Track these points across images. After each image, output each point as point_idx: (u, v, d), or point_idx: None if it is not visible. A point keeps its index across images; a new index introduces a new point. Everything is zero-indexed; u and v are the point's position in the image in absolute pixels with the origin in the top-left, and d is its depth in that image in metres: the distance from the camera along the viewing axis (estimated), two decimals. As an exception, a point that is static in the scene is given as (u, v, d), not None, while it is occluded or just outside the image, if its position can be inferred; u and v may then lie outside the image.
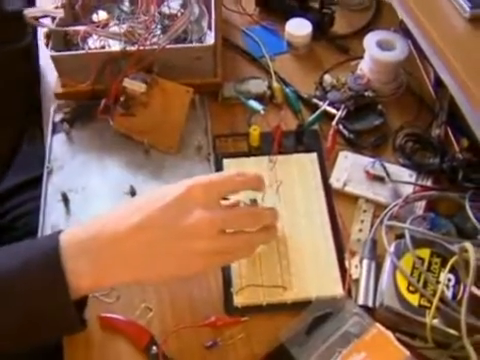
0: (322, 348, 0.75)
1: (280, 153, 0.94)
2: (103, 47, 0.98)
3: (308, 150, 0.95)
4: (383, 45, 0.98)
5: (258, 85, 1.02)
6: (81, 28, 0.95)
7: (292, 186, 0.91)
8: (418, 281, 0.76)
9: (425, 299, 0.75)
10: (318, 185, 0.91)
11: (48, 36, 0.98)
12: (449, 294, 0.75)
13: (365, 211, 0.89)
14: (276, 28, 1.14)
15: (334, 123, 0.96)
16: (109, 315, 0.81)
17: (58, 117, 0.99)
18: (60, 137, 0.98)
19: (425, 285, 0.76)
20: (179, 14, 0.99)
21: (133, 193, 0.90)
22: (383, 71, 0.99)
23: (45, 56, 1.01)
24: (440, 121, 0.96)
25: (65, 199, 0.90)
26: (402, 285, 0.77)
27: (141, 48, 0.93)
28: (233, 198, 0.83)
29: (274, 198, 0.89)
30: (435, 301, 0.74)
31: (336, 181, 0.92)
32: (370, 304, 0.79)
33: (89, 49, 0.97)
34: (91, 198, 0.91)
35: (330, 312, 0.78)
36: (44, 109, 1.03)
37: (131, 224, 0.67)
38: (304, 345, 0.75)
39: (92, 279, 0.67)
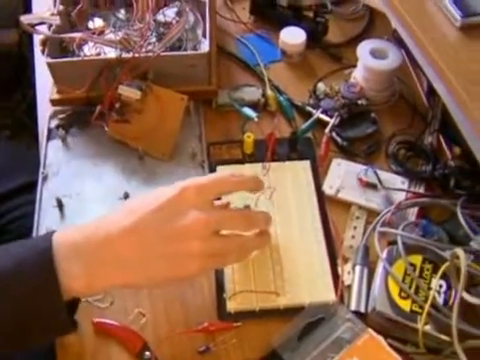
0: (314, 354, 0.75)
1: (274, 160, 0.94)
2: (99, 54, 0.98)
3: (301, 157, 0.96)
4: (376, 54, 0.99)
5: (252, 93, 1.03)
6: (77, 35, 0.96)
7: (285, 193, 0.91)
8: (410, 287, 0.77)
9: (417, 305, 0.76)
10: (311, 192, 0.91)
11: (44, 43, 0.98)
12: (441, 300, 0.76)
13: (358, 218, 0.90)
14: (270, 36, 1.14)
15: (327, 131, 0.96)
16: (102, 320, 0.81)
17: (53, 123, 1.00)
18: (55, 143, 0.98)
19: (417, 291, 0.77)
20: (174, 22, 1.00)
21: (127, 198, 0.91)
22: (376, 79, 1.00)
23: (41, 63, 1.01)
24: (432, 129, 0.97)
25: (60, 204, 0.90)
26: (394, 291, 0.77)
27: (136, 55, 0.93)
28: (225, 199, 0.84)
29: (267, 204, 0.89)
30: (427, 307, 0.74)
31: (329, 188, 0.92)
32: (362, 310, 0.79)
33: (85, 56, 0.97)
34: (86, 204, 0.91)
35: (322, 318, 0.78)
36: (39, 115, 1.03)
37: (124, 226, 0.67)
38: (296, 351, 0.76)
39: (85, 281, 0.67)
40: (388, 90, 1.02)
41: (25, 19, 0.99)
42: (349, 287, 0.82)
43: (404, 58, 1.02)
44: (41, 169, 0.95)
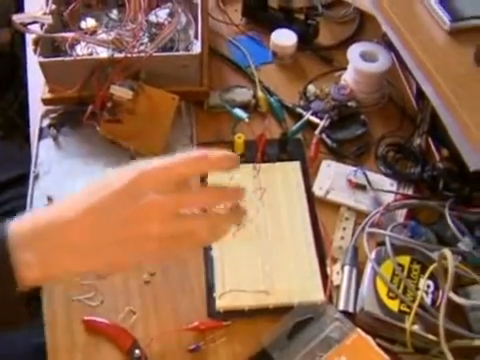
0: (303, 352, 0.76)
1: (264, 161, 0.95)
2: (91, 54, 0.98)
3: (291, 158, 0.96)
4: (366, 56, 1.00)
5: (243, 94, 1.03)
6: (69, 35, 0.96)
7: (275, 194, 0.92)
8: (398, 287, 0.78)
9: (405, 305, 0.77)
10: (301, 193, 0.92)
11: (36, 42, 0.98)
12: (428, 300, 0.77)
13: (347, 219, 0.90)
14: (262, 38, 1.15)
15: (317, 132, 0.97)
16: (93, 318, 0.81)
17: (45, 122, 1.00)
18: (47, 142, 0.98)
19: (405, 291, 0.78)
20: (166, 23, 1.00)
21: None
22: (366, 82, 1.01)
23: (33, 62, 1.02)
24: (421, 131, 0.98)
25: (51, 203, 0.90)
26: (382, 291, 0.78)
27: (128, 55, 0.94)
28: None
29: (258, 205, 0.90)
30: (414, 307, 0.75)
31: (319, 189, 0.93)
32: (351, 310, 0.80)
33: (77, 56, 0.98)
34: (76, 203, 0.91)
35: (311, 317, 0.79)
36: (31, 114, 1.04)
37: (77, 210, 0.64)
38: (285, 349, 0.77)
39: (40, 269, 0.64)
40: (378, 93, 1.03)
41: (17, 18, 0.99)
42: (338, 287, 0.83)
43: (394, 61, 1.03)
44: (32, 168, 0.95)
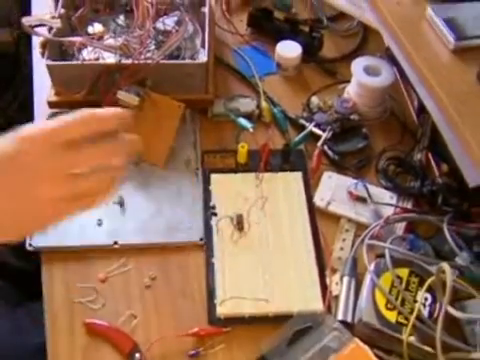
0: (301, 360, 0.77)
1: (267, 171, 0.96)
2: (97, 59, 1.00)
3: (294, 169, 0.98)
4: (370, 70, 1.02)
5: (247, 104, 1.05)
6: (78, 39, 0.97)
7: (277, 203, 0.93)
8: (396, 299, 0.79)
9: (402, 316, 0.78)
10: (302, 203, 0.94)
11: (44, 45, 0.99)
12: (426, 313, 0.78)
13: (347, 230, 0.92)
14: (266, 49, 1.17)
15: (320, 144, 0.99)
16: (94, 321, 0.82)
17: (50, 125, 1.01)
18: (51, 145, 0.99)
19: (403, 303, 0.79)
20: (174, 31, 1.02)
21: (121, 203, 0.92)
22: (369, 96, 1.02)
23: (39, 65, 1.03)
24: (422, 146, 1.00)
25: (54, 206, 0.91)
26: (381, 302, 0.79)
27: (136, 62, 0.95)
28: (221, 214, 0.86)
29: (259, 214, 0.91)
30: (412, 319, 0.77)
31: (320, 200, 0.94)
32: (349, 320, 0.81)
33: (84, 60, 0.99)
34: (80, 206, 0.92)
35: (310, 326, 0.80)
36: (36, 116, 1.04)
37: None
38: (284, 357, 0.78)
39: None
40: (380, 107, 1.05)
41: (26, 20, 1.00)
42: (337, 297, 0.84)
43: (396, 76, 1.05)
44: (36, 170, 0.95)
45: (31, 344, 0.89)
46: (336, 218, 0.93)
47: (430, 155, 0.99)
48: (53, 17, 1.03)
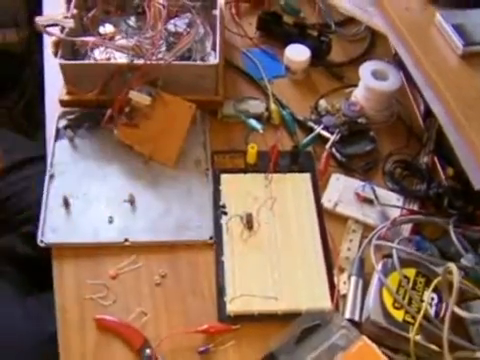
0: (309, 358, 0.78)
1: (275, 171, 0.97)
2: (109, 59, 1.01)
3: (302, 170, 0.99)
4: (377, 75, 1.03)
5: (256, 106, 1.06)
6: (91, 39, 0.99)
7: (286, 204, 0.94)
8: (403, 298, 0.80)
9: (409, 315, 0.79)
10: (310, 204, 0.95)
11: (56, 45, 1.01)
12: (432, 312, 0.79)
13: (354, 231, 0.93)
14: (275, 52, 1.18)
15: (328, 146, 1.00)
16: (104, 317, 0.83)
17: (62, 123, 1.02)
18: (63, 143, 1.00)
19: (410, 302, 0.80)
20: (185, 33, 1.03)
21: (132, 201, 0.93)
22: (376, 100, 1.04)
23: (50, 64, 1.04)
24: (428, 150, 1.01)
25: (66, 203, 0.92)
26: (388, 301, 0.81)
27: (148, 62, 0.96)
28: (231, 213, 0.88)
29: (268, 214, 0.93)
30: (419, 318, 0.78)
31: (328, 201, 0.96)
32: (357, 318, 0.82)
33: (95, 60, 1.00)
34: (91, 204, 0.94)
35: (318, 324, 0.81)
36: (47, 115, 1.05)
37: None
38: (292, 354, 0.79)
39: None
40: (387, 110, 1.06)
41: (39, 20, 1.01)
42: (344, 296, 0.86)
43: (403, 81, 1.06)
44: (48, 167, 0.97)
45: (45, 331, 0.90)
46: (343, 219, 0.95)
47: (436, 158, 1.01)
48: (66, 17, 1.04)
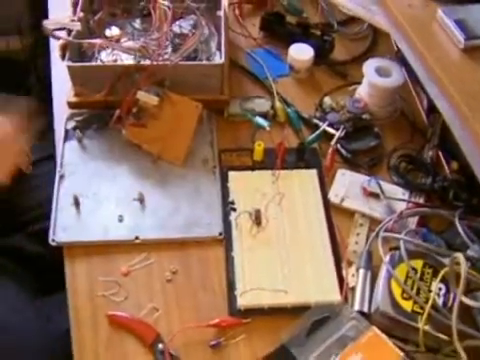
0: (320, 349, 0.79)
1: (282, 168, 0.99)
2: (115, 61, 1.03)
3: (308, 167, 1.00)
4: (381, 72, 1.05)
5: (262, 104, 1.07)
6: (98, 41, 1.00)
7: (293, 199, 0.96)
8: (411, 289, 0.81)
9: (418, 306, 0.80)
10: (318, 199, 0.96)
11: (64, 48, 1.02)
12: (440, 302, 0.80)
13: (361, 225, 0.94)
14: (279, 52, 1.20)
15: (333, 142, 1.01)
16: (116, 313, 0.84)
17: (70, 125, 1.04)
18: (72, 144, 1.02)
19: (418, 293, 0.81)
20: (190, 34, 1.05)
21: (141, 200, 0.95)
22: (380, 96, 1.05)
23: (58, 67, 1.05)
24: (432, 144, 1.02)
25: (76, 203, 0.94)
26: (396, 292, 0.82)
27: (154, 63, 0.98)
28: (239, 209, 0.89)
29: (277, 210, 0.94)
30: (427, 308, 0.79)
31: (334, 196, 0.97)
32: (366, 310, 0.84)
33: (102, 62, 1.02)
34: (101, 203, 0.95)
35: (328, 316, 0.83)
36: (56, 117, 1.07)
37: None
38: (304, 346, 0.80)
39: None
40: (391, 106, 1.08)
41: (46, 23, 1.03)
42: (353, 289, 0.87)
43: (405, 77, 1.07)
44: (58, 168, 0.98)
45: (56, 331, 0.91)
46: (350, 213, 0.96)
47: (440, 153, 1.02)
48: (72, 20, 1.06)
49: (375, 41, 1.23)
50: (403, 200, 0.96)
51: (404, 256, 0.84)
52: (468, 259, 0.85)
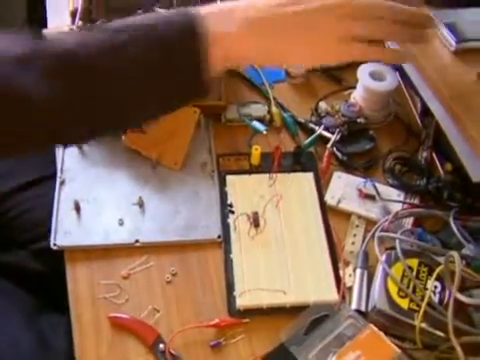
0: (319, 347, 0.80)
1: (279, 172, 1.00)
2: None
3: (305, 170, 1.02)
4: (375, 76, 1.06)
5: (258, 109, 1.09)
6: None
7: (290, 202, 0.97)
8: (407, 287, 0.83)
9: (414, 303, 0.82)
10: (314, 202, 0.98)
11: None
12: (436, 299, 0.82)
13: (357, 226, 0.96)
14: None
15: (329, 146, 1.03)
16: (118, 314, 0.85)
17: (70, 132, 1.05)
18: (72, 151, 1.03)
19: (414, 291, 0.83)
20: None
21: (141, 204, 0.96)
22: (375, 100, 1.07)
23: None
24: (426, 146, 1.04)
25: (77, 208, 0.95)
26: (393, 290, 0.83)
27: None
28: (237, 212, 0.91)
29: (274, 212, 0.95)
30: (423, 305, 0.80)
31: (331, 198, 0.99)
32: (363, 308, 0.85)
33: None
34: (101, 208, 0.96)
35: (327, 315, 0.84)
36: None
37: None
38: (302, 345, 0.81)
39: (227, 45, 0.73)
40: (385, 110, 1.09)
41: (46, 32, 1.05)
42: (350, 288, 0.88)
43: (399, 81, 1.09)
44: (58, 174, 1.00)
45: (58, 354, 0.91)
46: (347, 215, 0.98)
47: (434, 154, 1.04)
48: (71, 29, 1.08)
49: (369, 47, 1.24)
50: (398, 201, 0.97)
51: (400, 255, 0.85)
52: (463, 257, 0.86)
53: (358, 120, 1.06)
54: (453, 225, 0.91)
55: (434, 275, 0.84)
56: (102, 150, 1.04)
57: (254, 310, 0.86)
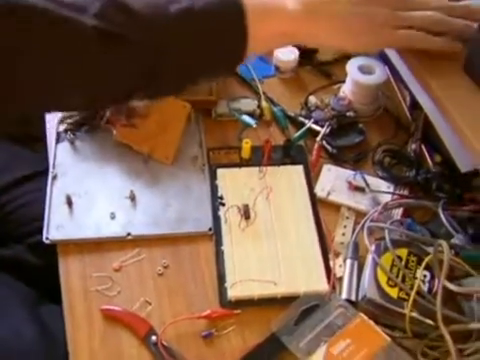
0: (310, 337, 0.81)
1: (269, 165, 1.01)
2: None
3: (295, 163, 1.03)
4: (364, 69, 1.07)
5: (248, 104, 1.10)
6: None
7: (281, 194, 0.98)
8: (397, 276, 0.84)
9: (403, 292, 0.82)
10: (304, 194, 0.99)
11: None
12: (425, 288, 0.83)
13: (347, 218, 0.97)
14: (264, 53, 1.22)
15: (318, 139, 1.03)
16: (110, 307, 0.86)
17: (62, 127, 1.06)
18: (64, 145, 1.04)
19: (403, 280, 0.84)
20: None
21: (133, 197, 0.97)
22: (364, 93, 1.08)
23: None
24: (415, 139, 1.05)
25: (69, 202, 0.96)
26: (382, 280, 0.84)
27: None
28: (228, 204, 0.92)
29: (265, 204, 0.96)
30: (413, 294, 0.81)
31: (321, 190, 0.99)
32: (353, 298, 0.86)
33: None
34: (93, 201, 0.97)
35: (317, 304, 0.85)
36: (47, 118, 1.09)
37: None
38: (293, 334, 0.82)
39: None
40: (374, 103, 1.10)
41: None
42: (340, 279, 0.89)
43: (388, 74, 1.10)
44: (51, 169, 1.00)
45: (60, 347, 0.89)
46: (336, 207, 0.98)
47: (423, 147, 1.04)
48: None
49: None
50: (388, 192, 0.98)
51: (389, 245, 0.86)
52: (452, 247, 0.87)
53: (347, 113, 1.07)
54: (442, 215, 0.91)
55: (423, 264, 0.85)
56: (94, 145, 1.04)
57: (245, 301, 0.87)
